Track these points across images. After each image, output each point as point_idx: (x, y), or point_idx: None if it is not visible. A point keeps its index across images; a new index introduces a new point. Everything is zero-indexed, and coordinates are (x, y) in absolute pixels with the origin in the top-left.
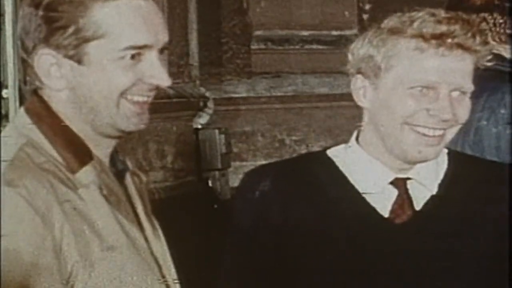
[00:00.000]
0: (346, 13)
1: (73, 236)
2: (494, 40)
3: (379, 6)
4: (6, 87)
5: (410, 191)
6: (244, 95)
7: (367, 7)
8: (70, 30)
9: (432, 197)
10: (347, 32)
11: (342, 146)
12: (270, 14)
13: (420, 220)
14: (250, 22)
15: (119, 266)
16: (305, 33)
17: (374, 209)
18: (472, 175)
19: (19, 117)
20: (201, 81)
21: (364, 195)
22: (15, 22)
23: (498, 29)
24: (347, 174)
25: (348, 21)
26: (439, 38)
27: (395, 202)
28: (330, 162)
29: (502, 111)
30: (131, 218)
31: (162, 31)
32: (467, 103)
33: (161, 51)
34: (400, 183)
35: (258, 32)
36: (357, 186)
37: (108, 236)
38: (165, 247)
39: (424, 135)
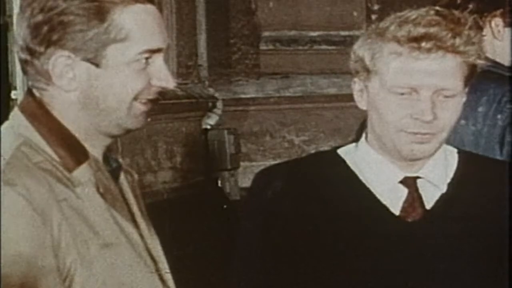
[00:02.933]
0: (355, 13)
1: (71, 234)
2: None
3: (387, 6)
4: (15, 89)
5: (420, 190)
6: (253, 95)
7: (376, 7)
8: (91, 33)
9: (442, 195)
10: (356, 33)
11: (353, 145)
12: (278, 14)
13: (431, 218)
14: (258, 22)
15: (116, 263)
16: (313, 33)
17: (385, 207)
18: (481, 174)
19: (14, 117)
20: (210, 82)
21: (375, 193)
22: None
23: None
24: (357, 173)
25: (356, 21)
26: (414, 41)
27: (406, 201)
28: (340, 161)
29: (480, 109)
30: (126, 215)
31: (166, 34)
32: (453, 105)
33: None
34: (410, 182)
35: (266, 33)
36: (368, 185)
37: (106, 234)
38: (159, 244)
39: (413, 133)
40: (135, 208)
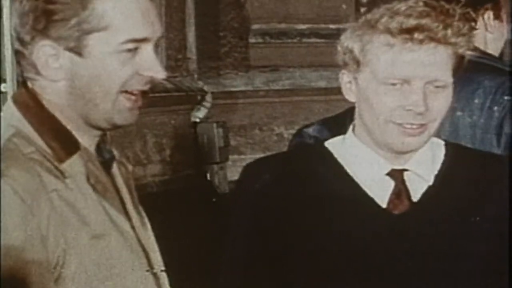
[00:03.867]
0: (344, 6)
1: (60, 225)
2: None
3: None
4: (5, 81)
5: (407, 182)
6: (242, 88)
7: (364, 0)
8: (72, 22)
9: (429, 188)
10: (345, 26)
11: (340, 137)
12: (267, 7)
13: (418, 211)
14: (247, 15)
15: (107, 254)
16: (302, 26)
17: (372, 200)
18: (468, 166)
19: (7, 108)
20: (199, 75)
21: (362, 186)
22: None
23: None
24: (344, 165)
25: (345, 14)
26: (407, 32)
27: (393, 193)
28: (328, 154)
29: (476, 101)
30: (118, 206)
31: (157, 24)
32: (443, 96)
33: (156, 44)
34: (396, 174)
35: (255, 26)
36: (354, 177)
37: (96, 225)
38: (152, 236)
39: (404, 125)
40: (127, 200)
